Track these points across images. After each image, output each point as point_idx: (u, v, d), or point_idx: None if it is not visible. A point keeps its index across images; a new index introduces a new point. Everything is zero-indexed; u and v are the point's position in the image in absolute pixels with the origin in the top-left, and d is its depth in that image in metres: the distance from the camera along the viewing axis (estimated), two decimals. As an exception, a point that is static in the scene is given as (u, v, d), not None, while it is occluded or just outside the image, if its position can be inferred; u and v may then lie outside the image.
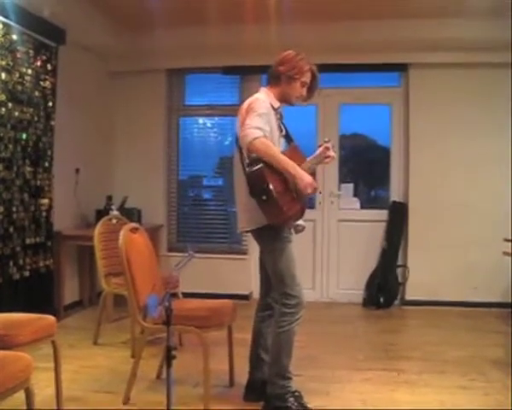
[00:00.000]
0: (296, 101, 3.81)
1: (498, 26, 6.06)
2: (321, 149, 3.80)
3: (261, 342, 3.87)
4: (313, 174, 3.70)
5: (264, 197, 3.36)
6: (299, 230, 3.87)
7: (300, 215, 3.68)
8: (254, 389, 3.83)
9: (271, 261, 3.67)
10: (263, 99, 3.63)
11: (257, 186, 3.39)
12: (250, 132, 3.38)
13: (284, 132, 3.81)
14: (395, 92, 7.20)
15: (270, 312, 3.84)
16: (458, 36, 6.29)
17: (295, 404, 3.60)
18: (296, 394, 3.67)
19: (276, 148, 3.50)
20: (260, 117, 3.45)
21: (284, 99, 3.77)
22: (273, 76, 3.76)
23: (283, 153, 3.57)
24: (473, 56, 6.51)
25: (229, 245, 7.50)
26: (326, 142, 3.83)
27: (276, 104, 3.72)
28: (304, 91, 3.78)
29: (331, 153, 3.78)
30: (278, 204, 3.36)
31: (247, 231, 3.76)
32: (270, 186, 3.34)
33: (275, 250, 3.63)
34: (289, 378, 3.67)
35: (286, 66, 3.69)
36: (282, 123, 3.82)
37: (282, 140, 3.79)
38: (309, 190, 3.52)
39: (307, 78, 3.75)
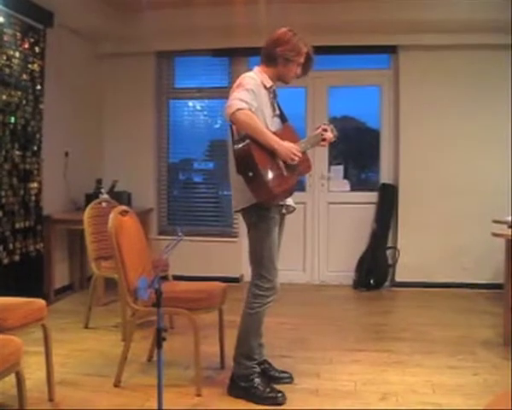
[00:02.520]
0: (291, 80, 3.76)
1: (488, 8, 6.06)
2: (319, 130, 3.80)
3: None
4: (303, 154, 3.65)
5: (250, 174, 3.34)
6: (289, 210, 3.81)
7: (289, 193, 3.63)
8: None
9: (253, 240, 3.64)
10: (252, 77, 3.57)
11: (243, 163, 3.37)
12: (234, 103, 3.35)
13: (278, 112, 3.74)
14: (385, 74, 7.19)
15: None
16: (448, 18, 6.28)
17: (261, 384, 3.60)
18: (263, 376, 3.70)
19: (260, 122, 3.43)
20: (248, 92, 3.41)
21: (279, 79, 3.72)
22: (269, 57, 3.67)
23: (276, 132, 3.53)
24: (462, 38, 6.50)
25: (220, 228, 7.50)
26: (326, 125, 3.84)
27: (269, 83, 3.65)
28: (299, 70, 3.74)
29: (328, 134, 3.78)
30: (265, 181, 3.34)
31: (238, 211, 3.70)
32: (257, 162, 3.32)
33: (260, 230, 3.59)
34: (255, 359, 3.67)
35: (284, 47, 3.62)
36: (276, 102, 3.76)
37: (277, 119, 3.72)
38: (293, 159, 3.48)
39: (303, 58, 3.70)
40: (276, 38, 3.68)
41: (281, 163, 3.48)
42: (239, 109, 3.32)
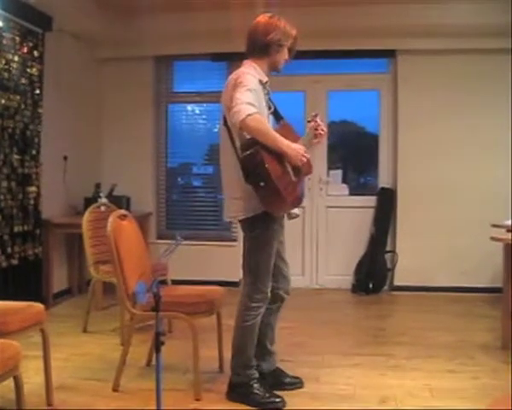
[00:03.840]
0: (282, 66, 3.62)
1: (487, 12, 6.09)
2: (311, 124, 3.65)
3: (269, 334, 3.82)
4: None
5: (262, 183, 3.18)
6: (292, 217, 3.70)
7: (299, 201, 3.53)
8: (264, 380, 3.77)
9: (253, 251, 3.55)
10: (252, 74, 3.43)
11: (254, 171, 3.20)
12: (243, 108, 3.14)
13: (273, 109, 3.62)
14: (383, 79, 7.20)
15: (279, 304, 3.81)
16: (446, 22, 6.30)
17: (260, 389, 3.59)
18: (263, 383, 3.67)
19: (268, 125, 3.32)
20: (251, 92, 3.24)
21: (272, 68, 3.59)
22: (261, 48, 3.51)
23: (276, 130, 3.39)
24: (461, 42, 6.51)
25: (219, 232, 7.49)
26: (314, 116, 3.67)
27: (265, 79, 3.53)
28: (287, 55, 3.61)
29: (321, 131, 3.63)
30: (278, 190, 3.19)
31: (239, 220, 3.56)
32: (269, 171, 3.15)
33: (261, 241, 3.50)
34: (253, 367, 3.66)
35: (274, 33, 3.48)
36: (270, 99, 3.63)
37: (271, 117, 3.61)
38: (302, 161, 3.38)
39: (291, 41, 3.59)
40: (264, 25, 3.54)
41: (289, 168, 3.38)
42: (249, 115, 3.13)
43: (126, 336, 4.02)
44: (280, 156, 3.31)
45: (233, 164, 3.41)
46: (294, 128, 3.74)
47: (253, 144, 3.22)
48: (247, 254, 3.62)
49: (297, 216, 3.73)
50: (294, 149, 3.36)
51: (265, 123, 3.29)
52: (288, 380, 3.87)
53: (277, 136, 3.30)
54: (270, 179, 3.17)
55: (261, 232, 3.50)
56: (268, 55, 3.54)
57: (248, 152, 3.22)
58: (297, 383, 3.87)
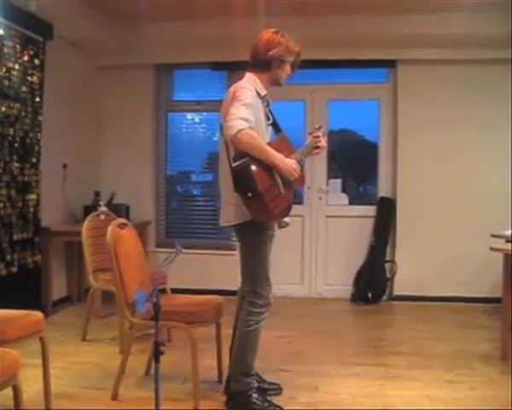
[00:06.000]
0: (284, 81, 3.70)
1: (487, 22, 6.09)
2: (310, 138, 3.71)
3: None
4: (301, 167, 3.60)
5: (249, 194, 3.26)
6: (282, 226, 3.74)
7: (287, 213, 3.56)
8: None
9: (248, 256, 3.61)
10: (249, 88, 3.47)
11: (242, 182, 3.28)
12: (235, 124, 3.22)
13: (271, 121, 3.68)
14: (383, 88, 7.21)
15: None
16: (446, 32, 6.30)
17: (259, 399, 3.59)
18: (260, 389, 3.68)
19: (261, 139, 3.36)
20: (246, 107, 3.30)
21: (274, 83, 3.66)
22: (262, 63, 3.58)
23: (271, 143, 3.47)
24: (460, 52, 6.54)
25: (218, 241, 7.48)
26: (316, 129, 3.73)
27: (263, 92, 3.58)
28: (289, 70, 3.69)
29: (321, 143, 3.69)
30: (264, 202, 3.27)
31: (232, 226, 3.63)
32: (257, 183, 3.24)
33: (255, 246, 3.55)
34: (252, 375, 3.66)
35: (277, 49, 3.55)
36: (270, 111, 3.68)
37: (270, 128, 3.67)
38: (294, 175, 3.45)
39: (294, 57, 3.66)
40: (266, 41, 3.61)
41: (279, 180, 3.42)
42: (240, 130, 3.20)
43: (125, 344, 4.02)
44: (270, 168, 3.37)
45: (228, 172, 3.44)
46: (293, 139, 3.78)
47: (244, 155, 3.28)
48: (242, 260, 3.67)
49: (287, 225, 3.76)
50: (287, 162, 3.43)
51: (257, 137, 3.32)
52: (266, 386, 3.87)
53: (269, 149, 3.36)
54: (257, 191, 3.25)
55: (253, 238, 3.55)
56: (269, 70, 3.61)
57: (238, 163, 3.29)
58: (276, 389, 3.89)
